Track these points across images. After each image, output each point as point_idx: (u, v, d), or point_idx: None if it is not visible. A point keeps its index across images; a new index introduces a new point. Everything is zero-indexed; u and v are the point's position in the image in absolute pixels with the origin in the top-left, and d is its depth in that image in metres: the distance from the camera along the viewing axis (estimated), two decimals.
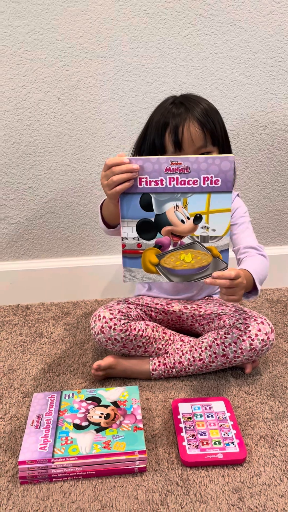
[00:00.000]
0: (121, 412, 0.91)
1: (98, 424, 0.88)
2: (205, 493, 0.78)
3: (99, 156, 1.32)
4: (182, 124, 0.95)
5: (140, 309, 1.12)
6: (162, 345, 1.08)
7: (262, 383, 1.05)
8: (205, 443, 0.86)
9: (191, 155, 0.90)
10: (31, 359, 1.15)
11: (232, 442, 0.86)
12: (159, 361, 1.06)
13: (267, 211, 1.45)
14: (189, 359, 1.04)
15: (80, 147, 1.31)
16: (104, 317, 1.04)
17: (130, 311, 1.07)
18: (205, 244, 0.85)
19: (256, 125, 1.33)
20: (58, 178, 1.33)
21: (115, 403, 0.93)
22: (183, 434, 0.88)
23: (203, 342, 1.04)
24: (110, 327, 1.02)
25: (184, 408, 0.95)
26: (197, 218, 0.83)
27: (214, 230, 0.83)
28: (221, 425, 0.90)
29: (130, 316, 1.06)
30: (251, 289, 0.96)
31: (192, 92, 1.05)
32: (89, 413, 0.91)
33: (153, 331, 1.08)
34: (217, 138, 0.97)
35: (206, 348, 1.03)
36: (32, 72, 1.22)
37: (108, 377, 1.06)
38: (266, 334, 0.99)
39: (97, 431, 0.86)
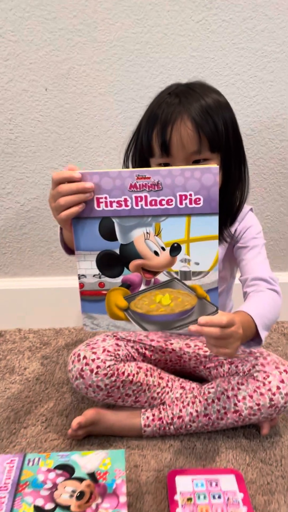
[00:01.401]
0: (99, 490, 0.68)
1: (68, 508, 0.65)
2: None
3: (92, 159, 1.12)
4: (172, 123, 0.73)
5: (132, 347, 0.90)
6: (158, 393, 0.86)
7: (283, 449, 0.83)
8: None
9: (180, 162, 0.73)
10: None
11: None
12: (154, 415, 0.84)
13: (286, 230, 1.24)
14: (191, 413, 0.82)
15: (70, 148, 1.11)
16: (84, 357, 0.82)
17: (119, 350, 0.85)
18: (187, 282, 0.65)
19: (278, 131, 1.14)
20: (43, 183, 1.13)
21: (92, 476, 0.71)
22: None
23: (209, 392, 0.83)
24: (91, 371, 0.81)
25: (183, 484, 0.73)
26: (175, 249, 0.63)
27: (197, 263, 0.64)
28: None
29: (118, 357, 0.84)
30: (253, 337, 0.74)
31: None
32: (57, 489, 0.68)
33: (146, 375, 0.86)
34: (218, 143, 0.75)
35: (213, 401, 0.81)
36: (15, 56, 1.03)
37: (87, 435, 0.84)
38: None
39: None
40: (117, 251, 0.64)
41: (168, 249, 0.64)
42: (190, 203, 0.61)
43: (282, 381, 0.77)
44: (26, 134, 1.09)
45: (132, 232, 0.63)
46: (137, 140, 0.82)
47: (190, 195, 0.60)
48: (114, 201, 0.61)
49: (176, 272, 0.65)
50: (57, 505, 0.66)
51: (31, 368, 1.05)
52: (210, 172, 0.59)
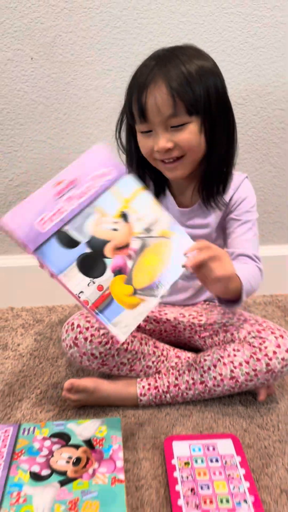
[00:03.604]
0: (95, 456, 0.68)
1: (64, 473, 0.65)
2: None
3: (81, 131, 1.10)
4: (147, 87, 0.72)
5: None
6: (153, 362, 0.86)
7: (279, 415, 0.82)
8: (208, 501, 0.63)
9: (158, 127, 0.74)
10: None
11: (245, 500, 0.64)
12: (149, 384, 0.83)
13: (279, 202, 1.23)
14: (187, 381, 0.82)
15: (58, 120, 1.08)
16: (78, 325, 0.81)
17: None
18: (154, 234, 0.69)
19: (270, 99, 1.12)
20: (32, 157, 1.11)
21: (89, 443, 0.70)
22: (178, 487, 0.66)
23: (205, 360, 0.82)
24: (85, 339, 0.80)
25: (181, 449, 0.72)
26: (124, 215, 0.68)
27: (146, 215, 0.69)
28: (229, 475, 0.68)
29: None
30: (234, 298, 0.74)
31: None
32: (53, 456, 0.68)
33: (141, 344, 0.85)
34: (196, 106, 0.72)
35: (209, 368, 0.80)
36: None
37: (83, 405, 0.83)
38: (287, 351, 0.77)
39: (62, 483, 0.63)
40: (88, 250, 0.64)
41: (120, 219, 0.67)
42: (104, 178, 0.67)
43: (278, 346, 0.77)
44: (12, 106, 1.06)
45: (85, 228, 0.64)
46: (124, 108, 0.80)
47: (99, 173, 0.66)
48: (52, 215, 0.63)
49: (141, 232, 0.68)
50: (54, 471, 0.65)
51: (25, 344, 1.04)
52: (93, 152, 0.68)
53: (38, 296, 1.21)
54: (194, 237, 0.73)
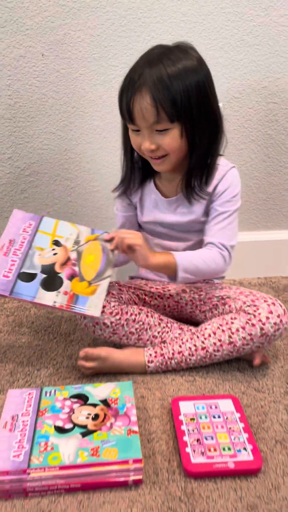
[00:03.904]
0: (112, 413, 0.76)
1: (85, 426, 0.73)
2: (214, 510, 0.64)
3: (88, 124, 1.17)
4: (133, 96, 0.82)
5: (133, 293, 0.98)
6: (158, 332, 0.94)
7: (273, 379, 0.92)
8: (212, 449, 0.72)
9: (145, 130, 0.85)
10: (8, 351, 1.00)
11: (245, 448, 0.72)
12: (156, 352, 0.92)
13: (273, 190, 1.31)
14: (190, 348, 0.90)
15: (67, 113, 1.15)
16: None
17: (122, 294, 0.93)
18: (82, 242, 0.92)
19: (264, 93, 1.20)
20: (42, 148, 1.18)
21: (105, 402, 0.79)
22: (185, 438, 0.74)
23: (206, 328, 0.90)
24: None
25: (186, 408, 0.81)
26: (56, 242, 0.91)
27: (71, 234, 0.93)
28: (230, 428, 0.76)
29: (121, 299, 0.92)
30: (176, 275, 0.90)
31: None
32: (74, 413, 0.76)
33: (147, 316, 0.94)
34: (177, 115, 0.82)
35: (209, 335, 0.89)
36: (12, 23, 1.06)
37: (97, 373, 0.92)
38: (278, 316, 0.85)
39: (83, 435, 0.71)
40: (44, 275, 0.87)
41: (55, 246, 0.91)
42: (30, 228, 0.92)
43: (271, 312, 0.85)
44: (24, 100, 1.13)
45: (35, 263, 0.88)
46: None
47: (26, 226, 0.93)
48: (9, 269, 0.87)
49: (73, 246, 0.91)
50: (75, 425, 0.74)
51: (38, 322, 1.12)
52: (16, 213, 0.94)
53: None
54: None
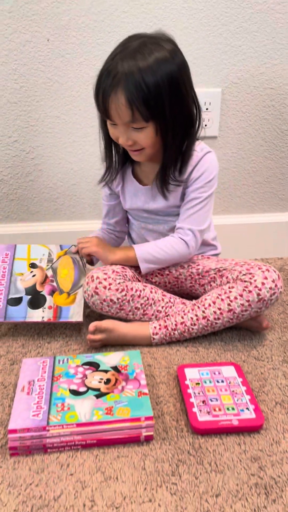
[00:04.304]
0: (122, 377, 0.81)
1: (98, 389, 0.78)
2: (220, 462, 0.70)
3: (92, 108, 1.19)
4: (108, 96, 0.84)
5: (135, 270, 1.02)
6: (162, 307, 0.99)
7: (272, 349, 0.97)
8: (217, 409, 0.78)
9: (121, 127, 0.88)
10: (19, 326, 1.04)
11: (247, 408, 0.78)
12: (160, 324, 0.97)
13: (269, 174, 1.36)
14: (191, 318, 0.95)
15: (71, 97, 1.19)
16: (97, 277, 0.94)
17: (125, 272, 0.97)
18: (54, 259, 1.06)
19: (262, 79, 1.24)
20: (47, 132, 1.21)
21: (115, 368, 0.83)
22: (192, 400, 0.80)
23: (206, 299, 0.96)
24: (105, 287, 0.93)
25: (191, 374, 0.86)
26: (32, 265, 1.05)
27: (43, 254, 1.08)
28: (233, 391, 0.82)
29: (125, 276, 0.96)
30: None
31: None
32: (87, 378, 0.81)
33: (151, 292, 0.99)
34: (151, 115, 0.84)
35: (209, 305, 0.94)
36: (19, 8, 1.09)
37: (105, 345, 0.96)
38: (273, 281, 0.91)
39: (97, 396, 0.76)
40: (29, 296, 1.00)
41: (32, 269, 1.04)
42: (7, 257, 1.06)
43: (266, 278, 0.90)
44: (29, 84, 1.16)
45: (19, 288, 1.01)
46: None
47: (3, 256, 1.06)
48: None
49: (48, 265, 1.05)
50: (89, 388, 0.78)
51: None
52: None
53: None
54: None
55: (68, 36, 1.13)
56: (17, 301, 0.99)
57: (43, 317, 0.97)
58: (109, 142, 0.98)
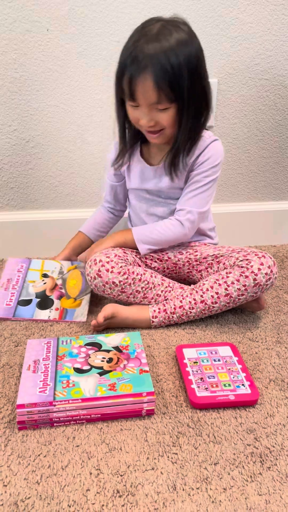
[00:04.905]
0: (124, 357, 0.84)
1: (101, 367, 0.81)
2: (218, 434, 0.74)
3: (91, 97, 1.23)
4: (136, 78, 0.86)
5: (135, 255, 1.05)
6: (162, 291, 1.02)
7: (266, 330, 1.01)
8: (214, 385, 0.82)
9: (145, 108, 0.90)
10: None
11: (243, 384, 0.82)
12: (159, 308, 1.00)
13: (264, 163, 1.40)
14: (190, 302, 0.99)
15: (71, 86, 1.21)
16: (100, 260, 0.97)
17: (127, 256, 1.01)
18: (65, 271, 1.15)
19: (257, 69, 1.27)
20: (46, 121, 1.24)
21: (117, 348, 0.87)
22: (190, 377, 0.83)
23: (204, 284, 0.99)
24: (107, 270, 0.96)
25: (189, 353, 0.90)
26: (45, 275, 1.14)
27: (55, 267, 1.16)
28: (229, 369, 0.86)
29: (127, 260, 1.00)
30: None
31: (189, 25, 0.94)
32: (90, 357, 0.84)
33: (151, 276, 1.02)
34: (176, 96, 0.88)
35: (207, 289, 0.98)
36: None
37: (106, 328, 1.00)
38: (269, 267, 0.94)
39: (101, 374, 0.80)
40: (38, 299, 1.08)
41: (44, 278, 1.13)
42: (23, 268, 1.16)
43: (262, 264, 0.94)
44: (29, 73, 1.18)
45: (30, 292, 1.09)
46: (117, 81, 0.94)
47: (19, 267, 1.16)
48: (9, 299, 1.07)
49: (59, 277, 1.13)
50: (92, 366, 0.82)
51: None
52: (11, 260, 1.19)
53: (50, 248, 1.34)
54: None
55: (67, 26, 1.15)
56: (27, 303, 1.06)
57: (49, 316, 1.03)
58: (123, 125, 1.01)
